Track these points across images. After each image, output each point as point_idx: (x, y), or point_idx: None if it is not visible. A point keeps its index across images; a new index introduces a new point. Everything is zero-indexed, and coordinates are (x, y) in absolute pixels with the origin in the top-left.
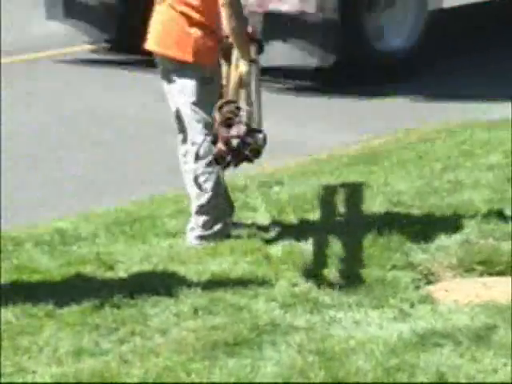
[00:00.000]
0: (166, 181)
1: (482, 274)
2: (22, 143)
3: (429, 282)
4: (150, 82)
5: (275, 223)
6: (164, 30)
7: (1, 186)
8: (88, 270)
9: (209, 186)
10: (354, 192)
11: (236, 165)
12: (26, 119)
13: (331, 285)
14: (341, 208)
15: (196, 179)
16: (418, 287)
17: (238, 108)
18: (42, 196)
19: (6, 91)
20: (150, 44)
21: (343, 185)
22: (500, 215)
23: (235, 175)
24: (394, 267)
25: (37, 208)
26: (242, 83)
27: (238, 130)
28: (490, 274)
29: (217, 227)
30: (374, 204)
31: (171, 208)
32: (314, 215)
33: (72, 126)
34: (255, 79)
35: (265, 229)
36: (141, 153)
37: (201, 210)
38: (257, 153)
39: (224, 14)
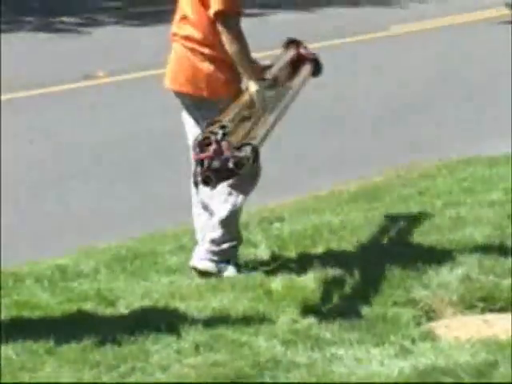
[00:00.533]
0: (166, 216)
1: (483, 311)
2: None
3: (430, 319)
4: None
5: (276, 259)
6: (177, 67)
7: (1, 221)
8: (89, 306)
9: (232, 200)
10: (355, 228)
11: (222, 181)
12: None
13: (332, 321)
14: (341, 244)
15: (219, 199)
16: (419, 324)
17: (224, 126)
18: (43, 232)
19: None
20: (167, 82)
21: (344, 221)
22: (501, 251)
23: None
24: (395, 304)
25: (37, 244)
26: (254, 103)
27: (214, 148)
28: (491, 311)
29: (225, 245)
30: (374, 240)
31: (172, 244)
32: (315, 251)
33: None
34: (288, 97)
35: (266, 265)
36: (141, 187)
37: (217, 225)
38: (241, 166)
39: (224, 39)
